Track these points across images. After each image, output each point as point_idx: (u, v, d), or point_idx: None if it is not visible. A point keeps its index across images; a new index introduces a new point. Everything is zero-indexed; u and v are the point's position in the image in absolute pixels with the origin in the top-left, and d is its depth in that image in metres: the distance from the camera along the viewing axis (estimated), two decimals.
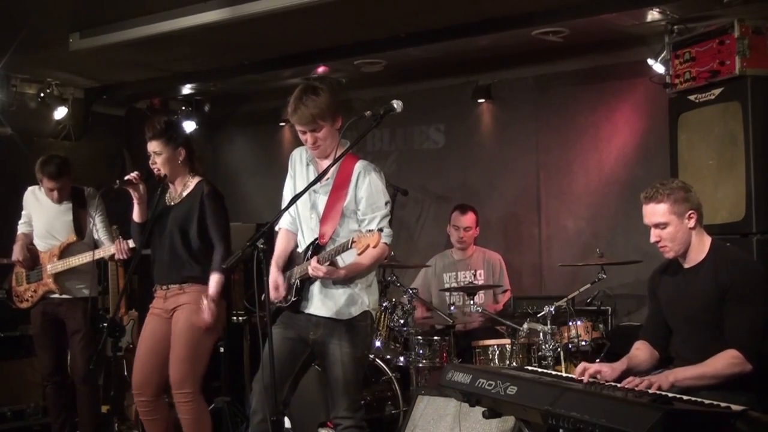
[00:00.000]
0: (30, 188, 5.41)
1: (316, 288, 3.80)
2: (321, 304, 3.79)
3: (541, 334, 5.19)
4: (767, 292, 3.43)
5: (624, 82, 6.27)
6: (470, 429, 4.37)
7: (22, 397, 6.19)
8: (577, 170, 6.54)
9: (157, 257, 4.47)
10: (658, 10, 5.10)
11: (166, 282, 4.42)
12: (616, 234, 6.27)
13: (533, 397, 3.12)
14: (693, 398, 3.06)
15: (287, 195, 3.93)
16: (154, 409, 4.43)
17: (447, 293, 6.14)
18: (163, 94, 7.57)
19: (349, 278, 3.76)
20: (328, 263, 3.64)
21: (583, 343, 5.18)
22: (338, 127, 3.79)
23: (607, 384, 3.33)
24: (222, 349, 5.62)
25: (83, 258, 5.14)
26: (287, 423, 4.96)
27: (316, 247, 3.77)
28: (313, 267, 3.63)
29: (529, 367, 4.38)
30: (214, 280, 4.32)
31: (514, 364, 5.23)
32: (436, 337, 5.54)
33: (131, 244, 4.76)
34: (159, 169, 4.37)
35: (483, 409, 3.48)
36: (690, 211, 3.47)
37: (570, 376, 3.48)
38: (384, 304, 5.58)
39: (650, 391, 3.16)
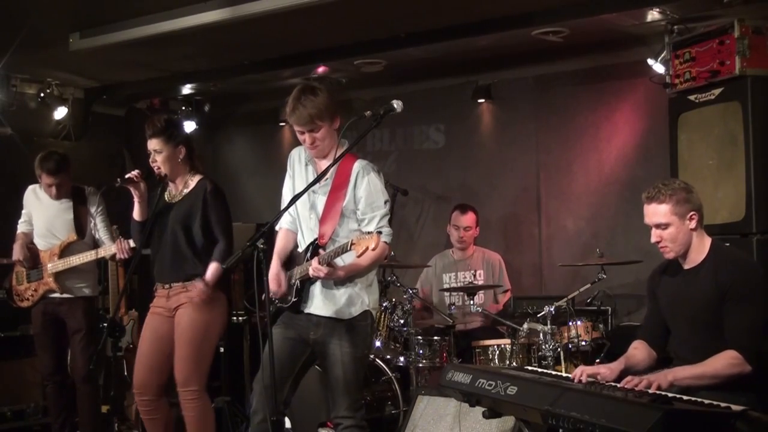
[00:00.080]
0: (30, 187, 5.41)
1: (316, 288, 3.80)
2: (322, 304, 3.79)
3: (541, 334, 5.19)
4: (767, 293, 3.44)
5: (624, 82, 6.27)
6: (470, 429, 4.37)
7: (22, 397, 6.19)
8: (577, 170, 6.54)
9: (158, 256, 4.46)
10: (658, 10, 5.10)
11: (168, 280, 4.42)
12: (616, 234, 6.27)
13: (533, 397, 3.12)
14: (693, 398, 3.07)
15: (286, 195, 3.94)
16: (156, 409, 4.43)
17: (447, 293, 6.14)
18: (163, 94, 7.57)
19: (349, 278, 3.76)
20: (327, 264, 3.64)
21: (583, 343, 5.18)
22: (336, 127, 3.79)
23: (607, 384, 3.33)
24: (222, 349, 5.62)
25: (84, 257, 5.14)
26: (287, 423, 4.96)
27: (315, 248, 3.77)
28: (314, 268, 3.63)
29: (529, 367, 4.38)
30: (213, 266, 4.34)
31: (514, 364, 5.23)
32: (436, 337, 5.54)
33: (132, 243, 4.76)
34: (159, 168, 4.37)
35: (483, 409, 3.48)
36: (692, 212, 3.47)
37: (570, 376, 3.48)
38: (384, 304, 5.59)
39: (650, 391, 3.17)
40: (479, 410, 3.52)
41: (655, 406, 2.78)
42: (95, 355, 5.00)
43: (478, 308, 5.74)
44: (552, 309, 5.17)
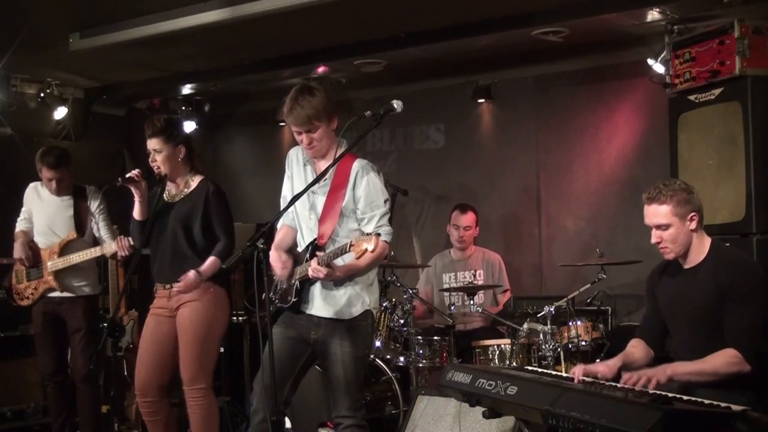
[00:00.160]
0: (32, 184, 5.41)
1: (316, 289, 3.80)
2: (322, 304, 3.78)
3: (541, 334, 5.19)
4: (766, 292, 3.44)
5: (624, 82, 6.27)
6: (470, 429, 4.37)
7: (22, 397, 6.19)
8: (577, 170, 6.54)
9: (158, 256, 4.47)
10: (658, 10, 5.10)
11: (168, 280, 4.42)
12: (616, 234, 6.27)
13: (533, 397, 3.12)
14: (693, 398, 3.07)
15: (286, 195, 3.93)
16: (158, 410, 4.43)
17: (447, 293, 6.14)
18: (163, 94, 7.57)
19: (349, 278, 3.76)
20: (326, 265, 3.64)
21: (583, 343, 5.19)
22: (334, 127, 3.78)
23: (607, 384, 3.33)
24: (222, 349, 5.61)
25: (84, 255, 5.14)
26: (288, 423, 4.97)
27: (315, 248, 3.77)
28: (313, 269, 3.63)
29: (529, 367, 4.38)
30: (211, 260, 4.34)
31: (514, 364, 5.23)
32: (436, 337, 5.54)
33: (131, 241, 4.76)
34: (159, 167, 4.37)
35: (483, 409, 3.48)
36: (692, 213, 3.47)
37: (570, 376, 3.48)
38: (384, 304, 5.59)
39: (649, 386, 3.17)
40: (479, 410, 3.51)
41: (655, 406, 2.78)
42: (95, 355, 5.00)
43: (478, 308, 5.73)
44: (552, 309, 5.17)
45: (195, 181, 4.47)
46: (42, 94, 6.79)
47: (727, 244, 3.74)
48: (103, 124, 7.44)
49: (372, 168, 3.80)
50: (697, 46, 5.02)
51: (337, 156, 3.74)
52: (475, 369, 3.64)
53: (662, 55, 5.30)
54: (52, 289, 5.25)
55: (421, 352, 5.49)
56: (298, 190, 3.70)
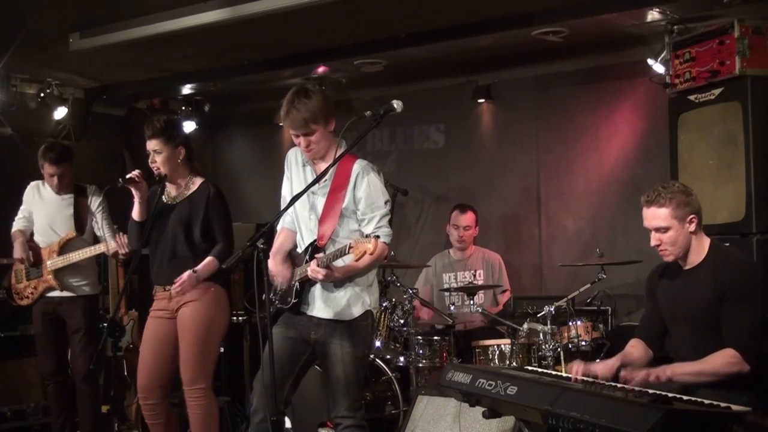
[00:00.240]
0: (32, 183, 5.41)
1: (316, 290, 3.80)
2: (322, 306, 3.78)
3: (541, 334, 5.19)
4: (765, 292, 3.44)
5: (624, 82, 6.27)
6: (470, 429, 4.37)
7: (22, 397, 6.19)
8: (577, 170, 6.54)
9: (157, 257, 4.46)
10: (658, 10, 5.10)
11: (168, 282, 4.41)
12: (616, 234, 6.27)
13: (533, 397, 3.12)
14: (693, 398, 3.07)
15: (285, 196, 3.93)
16: (160, 412, 4.43)
17: (447, 293, 6.14)
18: (163, 94, 7.57)
19: (348, 279, 3.75)
20: (326, 266, 3.64)
21: (583, 343, 5.19)
22: (332, 129, 3.77)
23: (606, 384, 3.33)
24: (222, 349, 5.61)
25: (83, 253, 5.14)
26: (288, 423, 4.97)
27: (314, 249, 3.77)
28: (313, 270, 3.63)
29: (529, 367, 4.38)
30: (208, 260, 4.34)
31: (514, 364, 5.23)
32: (436, 337, 5.54)
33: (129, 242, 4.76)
34: (158, 168, 4.37)
35: (483, 409, 3.48)
36: (691, 215, 3.47)
37: (570, 375, 3.48)
38: (384, 304, 5.59)
39: (649, 380, 3.17)
40: (479, 410, 3.52)
41: (655, 406, 2.78)
42: (95, 355, 5.00)
43: (478, 308, 5.73)
44: (552, 309, 5.16)
45: (196, 183, 4.47)
46: (42, 94, 6.79)
47: (727, 244, 3.75)
48: (103, 124, 7.43)
49: (372, 169, 3.79)
50: (697, 46, 5.02)
51: (336, 156, 3.74)
52: (475, 369, 3.64)
53: (662, 55, 5.30)
54: (51, 288, 5.24)
55: (421, 352, 5.49)
56: (297, 190, 3.69)
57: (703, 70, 4.96)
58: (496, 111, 6.95)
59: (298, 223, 3.89)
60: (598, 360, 4.93)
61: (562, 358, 5.08)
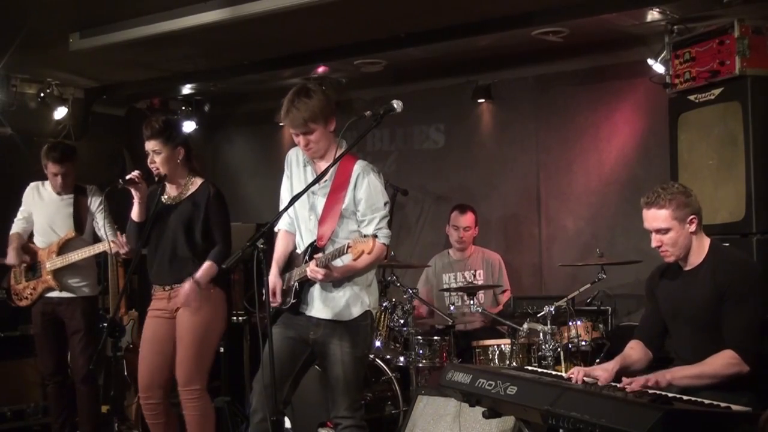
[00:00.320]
0: (32, 184, 5.40)
1: (316, 291, 3.80)
2: (321, 306, 3.78)
3: (541, 334, 5.19)
4: (765, 292, 3.44)
5: (624, 82, 6.27)
6: (470, 429, 4.37)
7: (22, 397, 6.18)
8: (577, 170, 6.54)
9: (156, 257, 4.46)
10: (658, 10, 5.10)
11: (169, 282, 4.42)
12: (616, 234, 6.26)
13: (533, 397, 3.12)
14: (693, 398, 3.07)
15: (284, 195, 3.93)
16: (161, 412, 4.43)
17: (447, 293, 6.14)
18: (163, 94, 7.57)
19: (347, 279, 3.76)
20: (325, 266, 3.64)
21: (583, 343, 5.18)
22: (332, 129, 3.78)
23: (606, 384, 3.33)
24: (222, 349, 5.61)
25: (82, 253, 5.14)
26: (287, 423, 4.96)
27: (314, 249, 3.77)
28: (312, 270, 3.63)
29: (529, 367, 4.38)
30: (207, 265, 4.33)
31: (514, 364, 5.23)
32: (436, 337, 5.54)
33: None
34: (158, 169, 4.36)
35: (483, 409, 3.48)
36: (691, 216, 3.47)
37: (571, 376, 3.48)
38: (384, 304, 5.59)
39: (650, 386, 3.16)
40: (479, 410, 3.52)
41: (655, 406, 2.78)
42: (95, 355, 4.99)
43: (478, 308, 5.73)
44: (552, 309, 5.16)
45: (196, 184, 4.47)
46: (42, 94, 6.79)
47: (727, 245, 3.75)
48: (103, 124, 7.43)
49: (373, 170, 3.80)
50: (697, 46, 5.02)
51: (336, 156, 3.74)
52: (475, 369, 3.65)
53: (662, 55, 5.30)
54: (51, 289, 5.24)
55: (421, 352, 5.49)
56: (297, 190, 3.69)
57: (703, 70, 4.95)
58: (496, 111, 6.95)
59: (298, 224, 3.89)
60: (597, 360, 4.96)
61: (562, 358, 5.07)
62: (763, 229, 4.71)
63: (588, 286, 5.33)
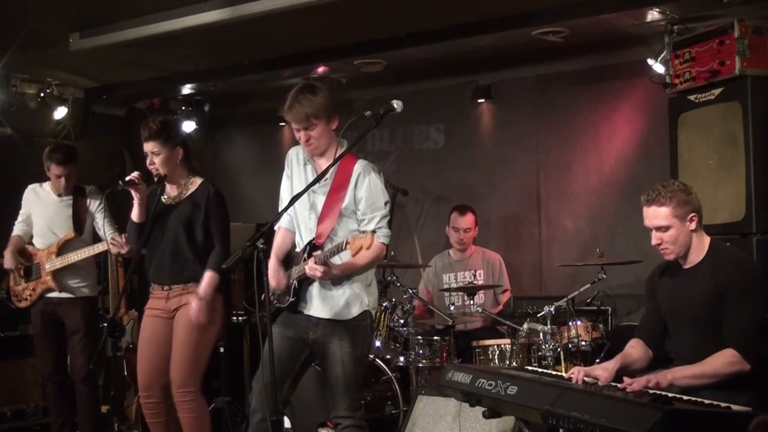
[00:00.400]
0: (30, 186, 5.40)
1: (314, 289, 3.79)
2: (320, 305, 3.78)
3: (541, 334, 5.19)
4: (765, 292, 3.44)
5: (624, 82, 6.27)
6: (470, 429, 4.37)
7: (22, 397, 6.18)
8: (577, 170, 6.54)
9: (156, 257, 4.45)
10: (658, 10, 5.10)
11: (168, 282, 4.42)
12: (616, 234, 6.27)
13: (533, 397, 3.12)
14: (693, 398, 3.07)
15: (284, 194, 3.93)
16: (161, 411, 4.44)
17: (447, 293, 6.14)
18: (163, 94, 7.57)
19: (347, 278, 3.75)
20: (323, 264, 3.64)
21: (583, 343, 5.18)
22: (334, 127, 3.78)
23: (606, 384, 3.33)
24: (222, 349, 5.62)
25: (82, 253, 5.14)
26: (287, 422, 4.96)
27: (313, 247, 3.77)
28: (310, 267, 3.63)
29: (529, 367, 4.38)
30: (208, 277, 4.32)
31: (514, 364, 5.23)
32: (436, 337, 5.54)
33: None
34: (157, 170, 4.36)
35: (483, 409, 3.48)
36: (692, 214, 3.47)
37: (571, 376, 3.48)
38: (384, 304, 5.58)
39: (650, 388, 3.16)
40: (479, 410, 3.52)
41: (655, 406, 2.78)
42: (95, 356, 4.99)
43: (478, 308, 5.73)
44: (552, 309, 5.16)
45: (195, 183, 4.47)
46: (42, 94, 6.79)
47: (728, 244, 3.75)
48: (103, 124, 7.43)
49: (373, 169, 3.80)
50: (697, 46, 5.02)
51: (337, 156, 3.74)
52: (475, 369, 3.64)
53: (662, 55, 5.30)
54: (50, 290, 5.24)
55: (421, 352, 5.49)
56: (297, 190, 3.69)
57: (703, 70, 4.96)
58: (496, 111, 6.95)
59: (297, 223, 3.89)
60: (598, 360, 4.96)
61: (562, 358, 5.07)
62: (763, 229, 4.71)
63: (588, 286, 5.33)
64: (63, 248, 5.23)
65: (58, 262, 5.19)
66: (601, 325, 5.37)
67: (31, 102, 6.85)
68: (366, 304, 3.80)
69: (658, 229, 3.49)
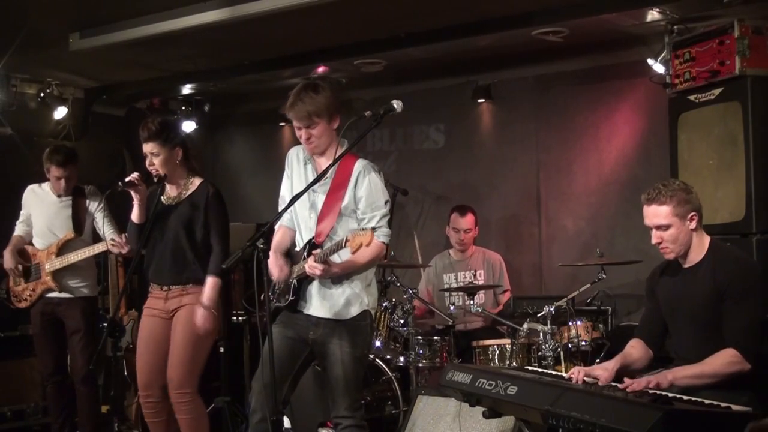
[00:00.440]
0: (30, 186, 5.40)
1: (314, 288, 3.79)
2: (320, 304, 3.78)
3: (541, 334, 5.19)
4: (765, 291, 3.44)
5: (624, 82, 6.28)
6: (470, 429, 4.37)
7: (22, 397, 6.18)
8: (577, 170, 6.54)
9: (155, 257, 4.45)
10: (658, 10, 5.10)
11: (167, 282, 4.42)
12: (616, 234, 6.27)
13: (533, 397, 3.12)
14: (693, 398, 3.07)
15: (285, 195, 3.93)
16: (161, 410, 4.44)
17: (447, 293, 6.14)
18: (163, 94, 7.57)
19: (346, 277, 3.75)
20: (323, 262, 3.63)
21: (583, 343, 5.18)
22: (335, 126, 3.78)
23: (606, 384, 3.33)
24: (222, 349, 5.60)
25: (82, 253, 5.14)
26: (287, 422, 4.96)
27: (312, 246, 3.76)
28: (310, 265, 3.63)
29: (529, 367, 4.38)
30: (211, 283, 4.32)
31: (514, 364, 5.23)
32: (436, 337, 5.54)
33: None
34: (157, 170, 4.36)
35: (483, 409, 3.48)
36: (692, 213, 3.47)
37: (571, 376, 3.48)
38: (384, 304, 5.58)
39: (650, 389, 3.16)
40: (479, 410, 3.51)
41: (655, 406, 2.78)
42: (95, 355, 4.99)
43: (478, 308, 5.73)
44: (552, 309, 5.16)
45: (195, 184, 4.47)
46: (42, 94, 6.79)
47: (728, 244, 3.75)
48: (103, 124, 7.43)
49: (373, 168, 3.80)
50: (697, 46, 5.03)
51: (337, 155, 3.74)
52: (475, 369, 3.64)
53: (662, 55, 5.30)
54: (50, 290, 5.23)
55: (421, 352, 5.49)
56: (297, 189, 3.70)
57: (703, 70, 4.96)
58: (496, 111, 6.95)
59: (298, 223, 3.89)
60: (598, 360, 4.96)
61: (562, 358, 5.08)
62: (763, 229, 4.71)
63: (588, 286, 5.33)
64: (63, 248, 5.23)
65: (58, 263, 5.19)
66: (601, 325, 5.38)
67: (31, 102, 6.85)
68: (366, 303, 3.80)
69: (658, 227, 3.49)
